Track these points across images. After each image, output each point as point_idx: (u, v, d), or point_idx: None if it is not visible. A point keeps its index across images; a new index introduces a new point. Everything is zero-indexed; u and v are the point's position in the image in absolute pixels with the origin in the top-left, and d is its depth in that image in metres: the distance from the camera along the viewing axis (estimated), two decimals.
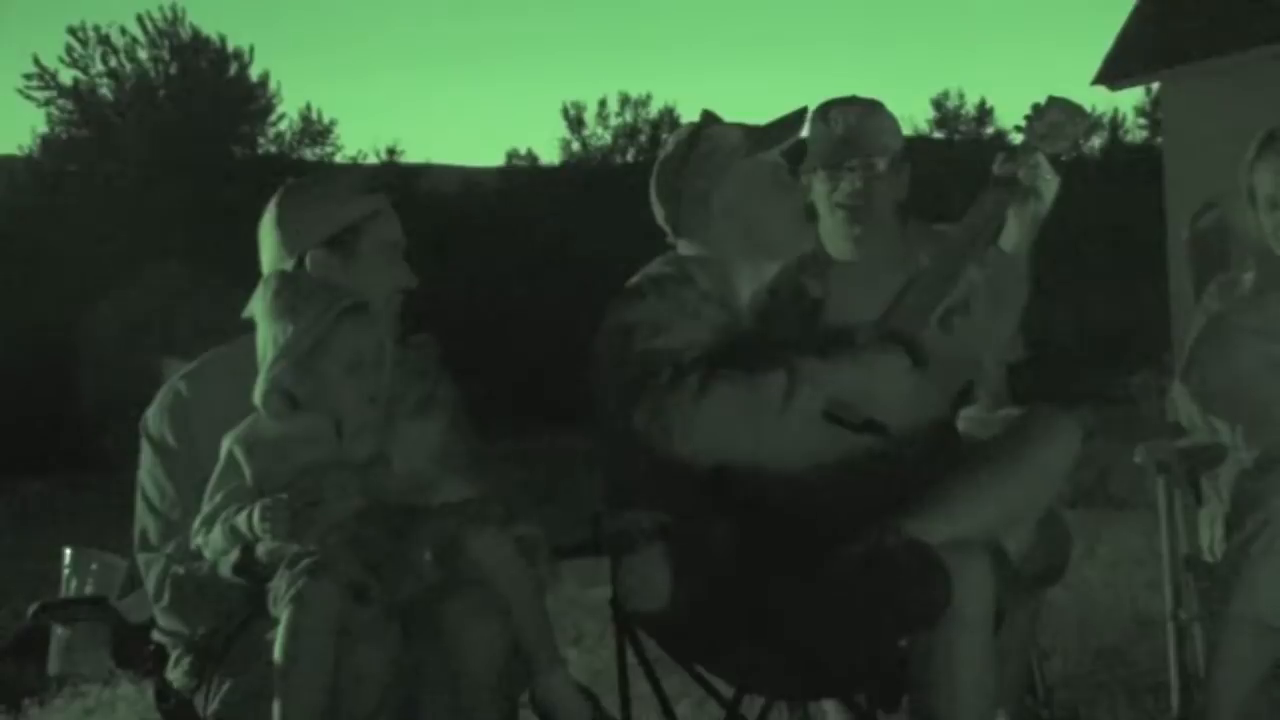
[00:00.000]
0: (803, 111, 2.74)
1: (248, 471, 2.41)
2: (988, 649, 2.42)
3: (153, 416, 2.60)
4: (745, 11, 63.60)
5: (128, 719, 4.76)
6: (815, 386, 2.48)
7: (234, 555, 2.40)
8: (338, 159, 22.45)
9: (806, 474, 2.48)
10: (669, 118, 25.24)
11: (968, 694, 2.40)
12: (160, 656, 2.57)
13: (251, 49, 21.95)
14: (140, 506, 2.59)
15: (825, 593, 2.38)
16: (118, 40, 21.24)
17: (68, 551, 6.27)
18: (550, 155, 26.60)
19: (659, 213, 2.75)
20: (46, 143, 21.19)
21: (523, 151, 26.45)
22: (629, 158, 25.04)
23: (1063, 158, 2.74)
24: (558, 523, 2.78)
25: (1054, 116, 2.69)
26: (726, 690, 2.60)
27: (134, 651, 2.66)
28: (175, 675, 2.52)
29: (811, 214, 3.04)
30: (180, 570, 2.50)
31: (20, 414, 15.36)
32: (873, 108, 3.09)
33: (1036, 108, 2.71)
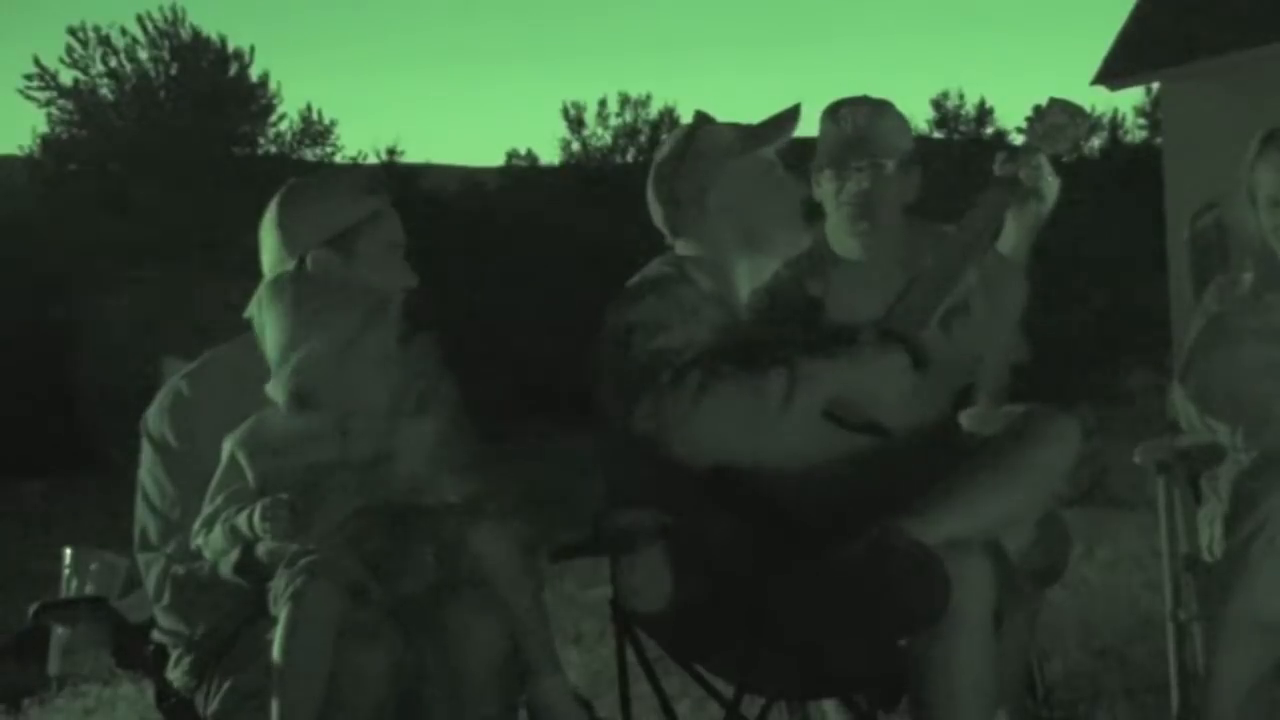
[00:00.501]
0: (796, 109, 2.73)
1: (250, 473, 2.41)
2: (988, 649, 2.42)
3: (153, 416, 2.60)
4: (745, 12, 63.54)
5: (128, 719, 4.76)
6: (815, 386, 2.48)
7: (234, 555, 2.40)
8: (338, 159, 22.45)
9: (807, 474, 2.48)
10: (669, 118, 25.23)
11: (968, 694, 2.41)
12: (160, 656, 2.57)
13: (251, 49, 21.94)
14: (140, 506, 2.59)
15: (825, 593, 2.38)
16: (118, 40, 21.24)
17: (68, 551, 6.28)
18: (550, 155, 26.61)
19: (656, 214, 2.75)
20: (46, 143, 21.19)
21: (523, 151, 26.45)
22: (629, 158, 25.03)
23: (1063, 159, 2.74)
24: (558, 523, 2.78)
25: (1055, 118, 2.69)
26: (726, 690, 2.60)
27: (134, 651, 2.66)
28: (175, 675, 2.53)
29: (818, 212, 3.04)
30: (180, 570, 2.50)
31: (20, 414, 15.36)
32: (882, 108, 3.09)
33: (1037, 109, 2.71)
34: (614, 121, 25.52)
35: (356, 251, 2.59)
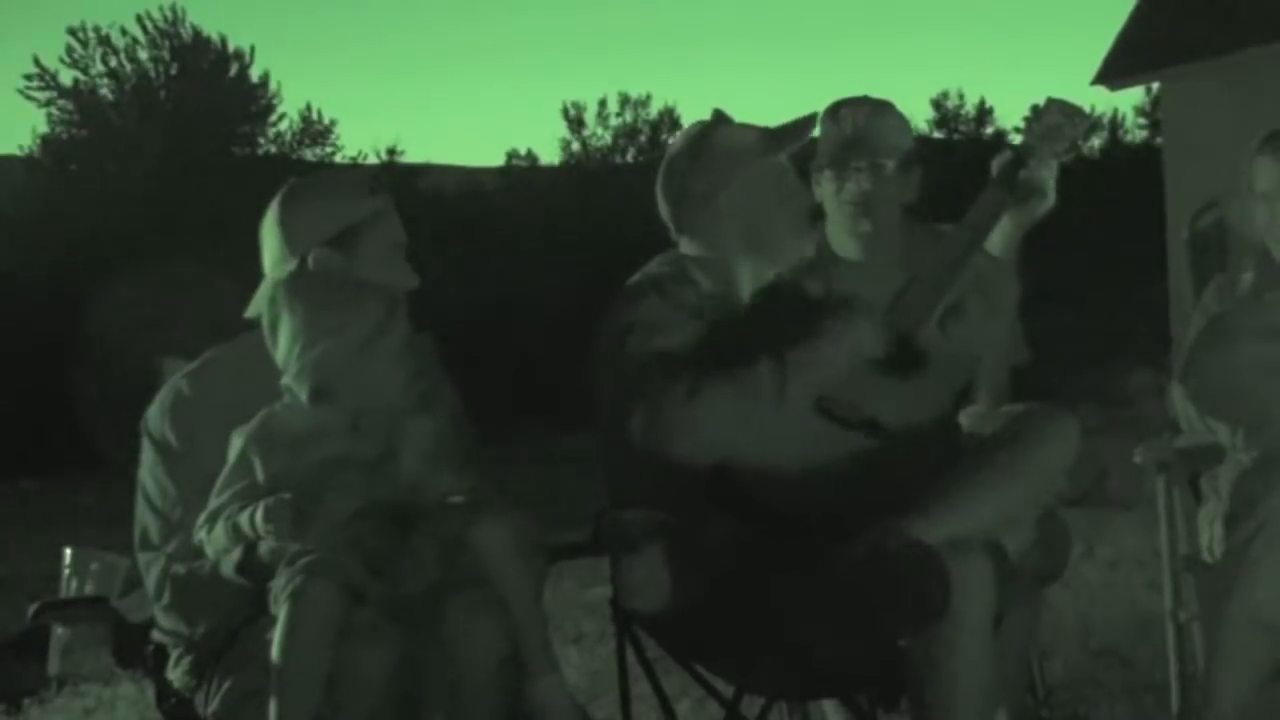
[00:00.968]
0: (813, 117, 2.75)
1: (261, 469, 2.41)
2: (987, 649, 2.42)
3: (154, 416, 2.60)
4: (745, 12, 63.62)
5: (128, 719, 4.76)
6: (806, 373, 2.48)
7: (236, 554, 2.40)
8: (338, 159, 22.47)
9: (806, 474, 2.48)
10: (669, 118, 25.30)
11: (968, 694, 2.41)
12: (160, 656, 2.57)
13: (251, 49, 21.99)
14: (140, 506, 2.59)
15: (825, 593, 2.38)
16: (118, 40, 21.28)
17: (68, 551, 6.27)
18: (550, 155, 26.65)
19: (664, 209, 2.74)
20: (46, 143, 21.21)
21: (523, 151, 26.52)
22: (629, 158, 25.07)
23: (1061, 158, 2.74)
24: (558, 523, 2.78)
25: (1053, 118, 2.69)
26: (726, 690, 2.60)
27: (134, 651, 2.66)
28: (175, 675, 2.53)
29: (819, 213, 3.04)
30: (181, 570, 2.50)
31: (20, 414, 15.37)
32: (882, 108, 3.09)
33: (1035, 109, 2.71)
34: (614, 121, 25.58)
35: (358, 251, 2.59)
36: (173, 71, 21.37)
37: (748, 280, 2.68)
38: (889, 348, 2.55)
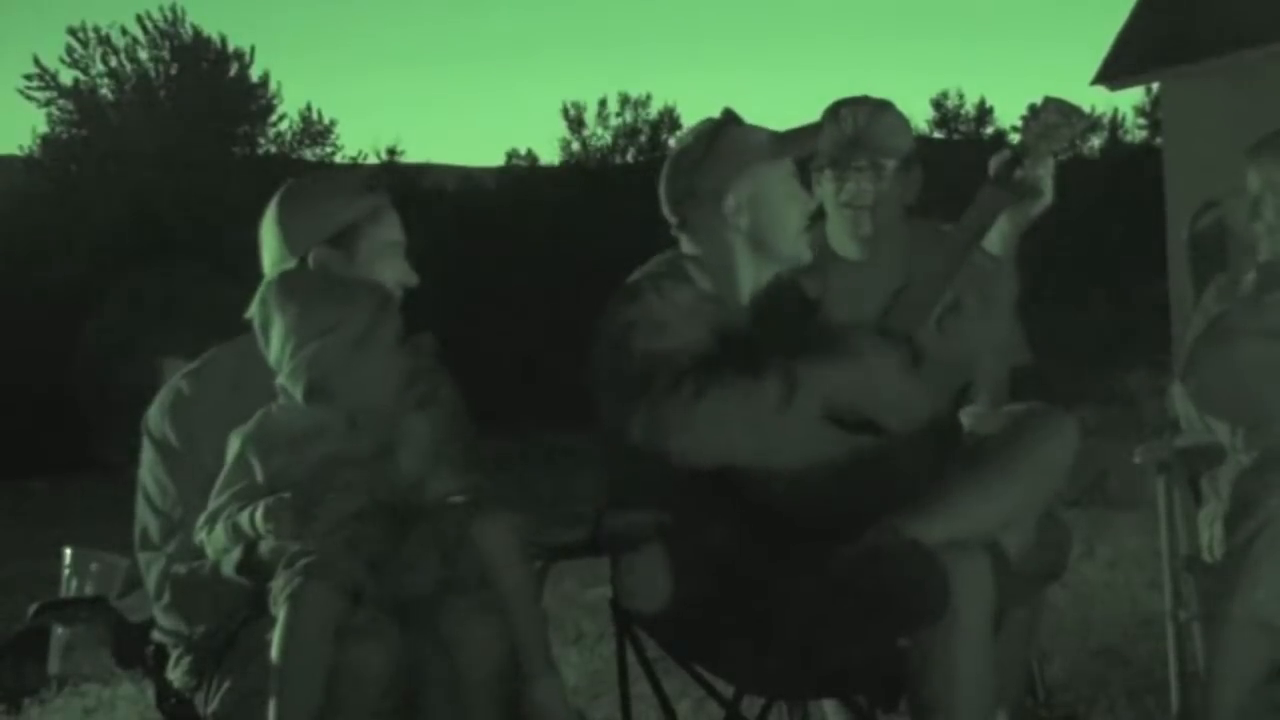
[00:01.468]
0: (821, 124, 2.76)
1: (260, 469, 2.41)
2: (987, 649, 2.42)
3: (154, 415, 2.60)
4: (745, 12, 63.61)
5: (128, 719, 4.76)
6: (813, 389, 2.48)
7: (236, 554, 2.40)
8: (338, 159, 22.47)
9: (806, 474, 2.48)
10: (669, 118, 25.27)
11: (967, 694, 2.41)
12: (160, 656, 2.57)
13: (252, 49, 21.98)
14: (141, 506, 2.59)
15: (825, 593, 2.38)
16: (118, 40, 21.27)
17: (68, 551, 6.27)
18: (550, 155, 26.62)
19: (667, 206, 2.73)
20: (46, 143, 21.20)
21: (523, 151, 26.50)
22: (629, 158, 25.05)
23: (1059, 156, 2.74)
24: (558, 523, 2.78)
25: (1050, 117, 2.69)
26: (726, 690, 2.60)
27: (134, 651, 2.66)
28: (175, 675, 2.52)
29: (819, 213, 3.04)
30: (181, 569, 2.50)
31: (21, 414, 15.37)
32: (883, 108, 3.09)
33: (1032, 108, 2.71)
34: (614, 121, 25.55)
35: (358, 249, 2.59)
36: (173, 71, 21.36)
37: (748, 280, 2.68)
38: (901, 372, 2.54)
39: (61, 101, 21.07)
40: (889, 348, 2.54)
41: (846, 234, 3.07)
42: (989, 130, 27.40)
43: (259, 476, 2.41)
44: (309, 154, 22.26)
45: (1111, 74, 11.83)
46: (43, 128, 21.35)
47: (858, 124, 3.05)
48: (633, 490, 2.60)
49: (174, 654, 2.54)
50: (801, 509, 2.47)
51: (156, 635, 2.57)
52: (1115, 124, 26.94)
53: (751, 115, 2.74)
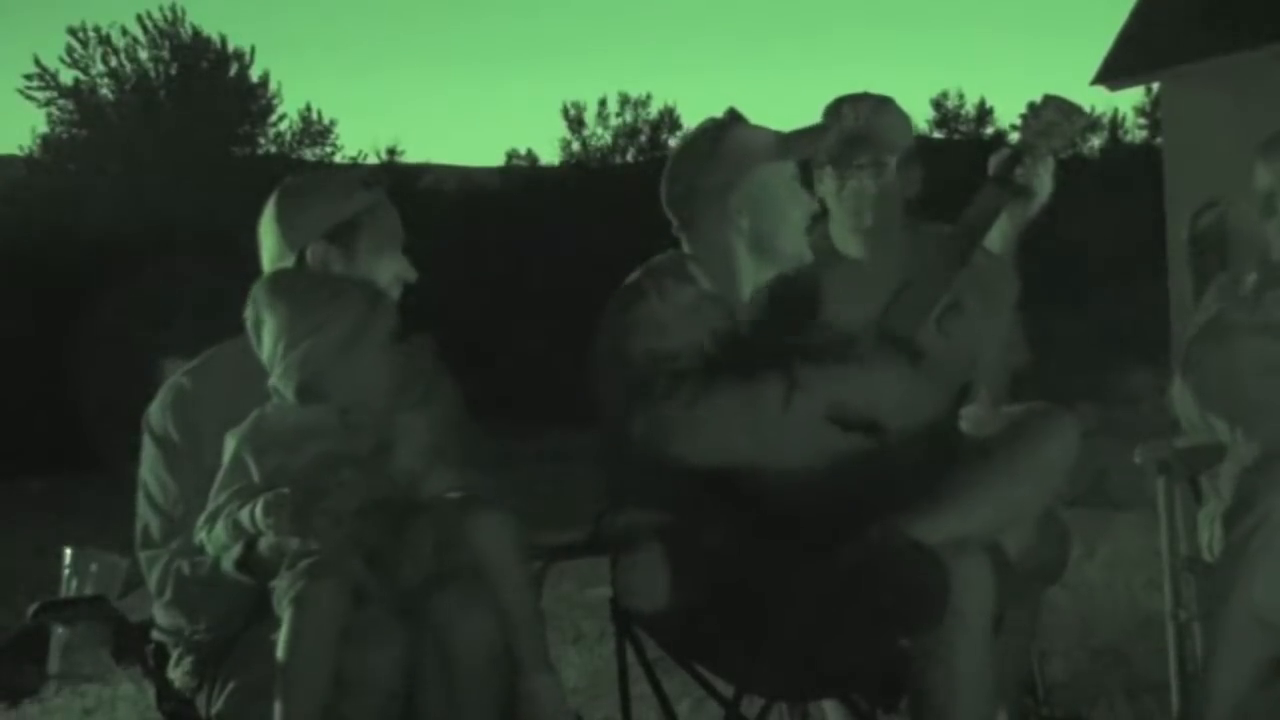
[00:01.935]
0: (824, 126, 2.75)
1: (256, 469, 2.41)
2: (987, 649, 2.42)
3: (155, 412, 2.60)
4: (745, 12, 63.62)
5: (128, 719, 4.76)
6: (814, 392, 2.47)
7: (237, 551, 2.40)
8: (338, 159, 22.44)
9: (806, 474, 2.48)
10: (669, 118, 25.25)
11: (968, 694, 2.41)
12: (160, 656, 2.57)
13: (252, 49, 21.94)
14: (142, 504, 2.59)
15: (825, 593, 2.38)
16: (118, 40, 21.23)
17: (68, 551, 6.27)
18: (550, 155, 26.62)
19: (668, 205, 2.73)
20: (46, 143, 21.17)
21: (523, 151, 26.50)
22: (629, 158, 25.04)
23: (1059, 155, 2.74)
24: (558, 523, 2.78)
25: (1050, 115, 2.69)
26: (726, 690, 2.60)
27: (134, 651, 2.66)
28: (176, 675, 2.52)
29: (820, 210, 3.04)
30: (184, 566, 2.50)
31: (21, 413, 15.36)
32: (884, 105, 3.08)
33: (1032, 106, 2.71)
34: (614, 121, 25.53)
35: (356, 245, 2.59)
36: (173, 71, 21.34)
37: (748, 279, 2.68)
38: (901, 373, 2.54)
39: (61, 101, 21.05)
40: (889, 348, 2.54)
41: (848, 231, 3.06)
42: (989, 130, 27.39)
43: (255, 476, 2.41)
44: (309, 154, 22.23)
45: (1111, 74, 11.84)
46: (43, 128, 21.34)
47: (859, 121, 3.04)
48: (633, 490, 2.60)
49: (175, 654, 2.54)
50: (802, 509, 2.47)
51: (156, 634, 2.57)
52: (1115, 124, 26.94)
53: (751, 115, 2.74)
